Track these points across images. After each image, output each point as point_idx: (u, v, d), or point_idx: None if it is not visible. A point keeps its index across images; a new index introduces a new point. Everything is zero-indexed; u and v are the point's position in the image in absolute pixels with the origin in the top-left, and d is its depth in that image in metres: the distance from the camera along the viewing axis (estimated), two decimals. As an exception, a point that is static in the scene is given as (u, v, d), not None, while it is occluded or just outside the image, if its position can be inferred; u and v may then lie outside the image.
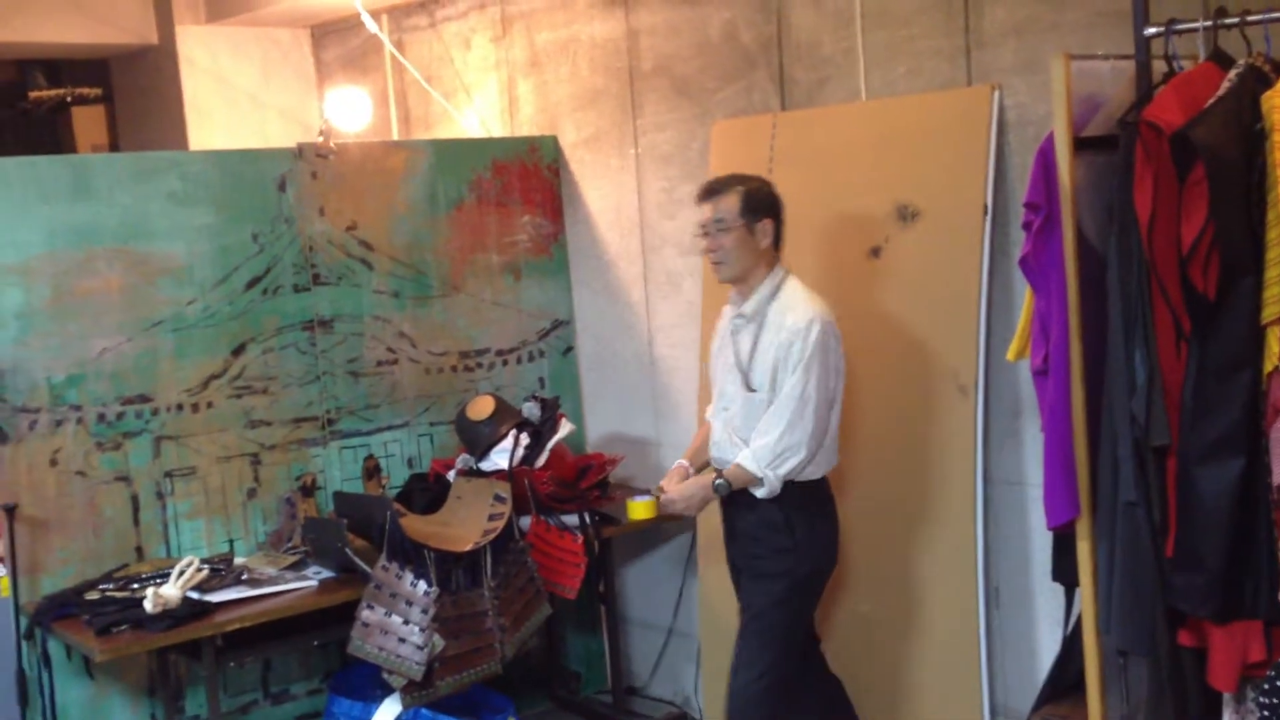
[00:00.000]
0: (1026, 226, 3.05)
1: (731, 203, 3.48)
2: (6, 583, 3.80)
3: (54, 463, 3.91)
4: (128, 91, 6.13)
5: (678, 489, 3.61)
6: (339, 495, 4.21)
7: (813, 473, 3.49)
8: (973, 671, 3.70)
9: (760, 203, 3.50)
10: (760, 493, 3.46)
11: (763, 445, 3.42)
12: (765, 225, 3.49)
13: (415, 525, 3.95)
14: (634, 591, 4.90)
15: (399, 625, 3.71)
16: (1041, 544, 3.53)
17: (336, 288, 4.41)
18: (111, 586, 3.78)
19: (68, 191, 3.95)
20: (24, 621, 3.78)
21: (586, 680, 4.86)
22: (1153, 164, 2.71)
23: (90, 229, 3.98)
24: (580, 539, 4.15)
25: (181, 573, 3.73)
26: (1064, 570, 3.19)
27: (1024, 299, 3.20)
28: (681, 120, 4.49)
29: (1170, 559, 2.78)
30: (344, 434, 4.42)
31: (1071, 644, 3.23)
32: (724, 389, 3.62)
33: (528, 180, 4.86)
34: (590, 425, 4.98)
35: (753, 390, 3.49)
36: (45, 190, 3.91)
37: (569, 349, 4.95)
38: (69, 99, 6.49)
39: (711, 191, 3.53)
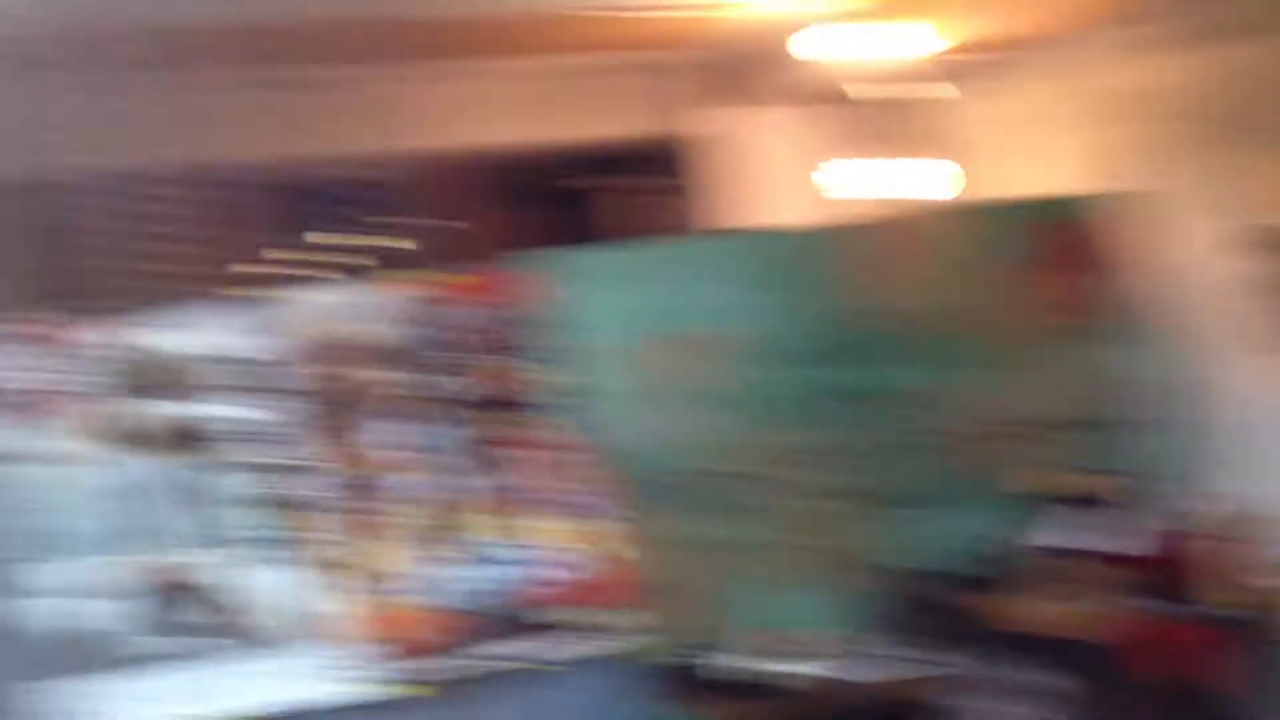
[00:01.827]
0: None
1: None
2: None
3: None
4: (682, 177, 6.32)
5: None
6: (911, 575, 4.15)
7: None
8: None
9: None
10: None
11: None
12: None
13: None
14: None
15: None
16: None
17: (884, 359, 4.37)
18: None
19: (655, 277, 4.28)
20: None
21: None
22: None
23: (668, 312, 4.27)
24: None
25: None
26: None
27: None
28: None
29: None
30: (900, 506, 4.30)
31: None
32: None
33: (1079, 240, 4.59)
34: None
35: None
36: (636, 277, 4.26)
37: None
38: (635, 189, 6.70)
39: None
